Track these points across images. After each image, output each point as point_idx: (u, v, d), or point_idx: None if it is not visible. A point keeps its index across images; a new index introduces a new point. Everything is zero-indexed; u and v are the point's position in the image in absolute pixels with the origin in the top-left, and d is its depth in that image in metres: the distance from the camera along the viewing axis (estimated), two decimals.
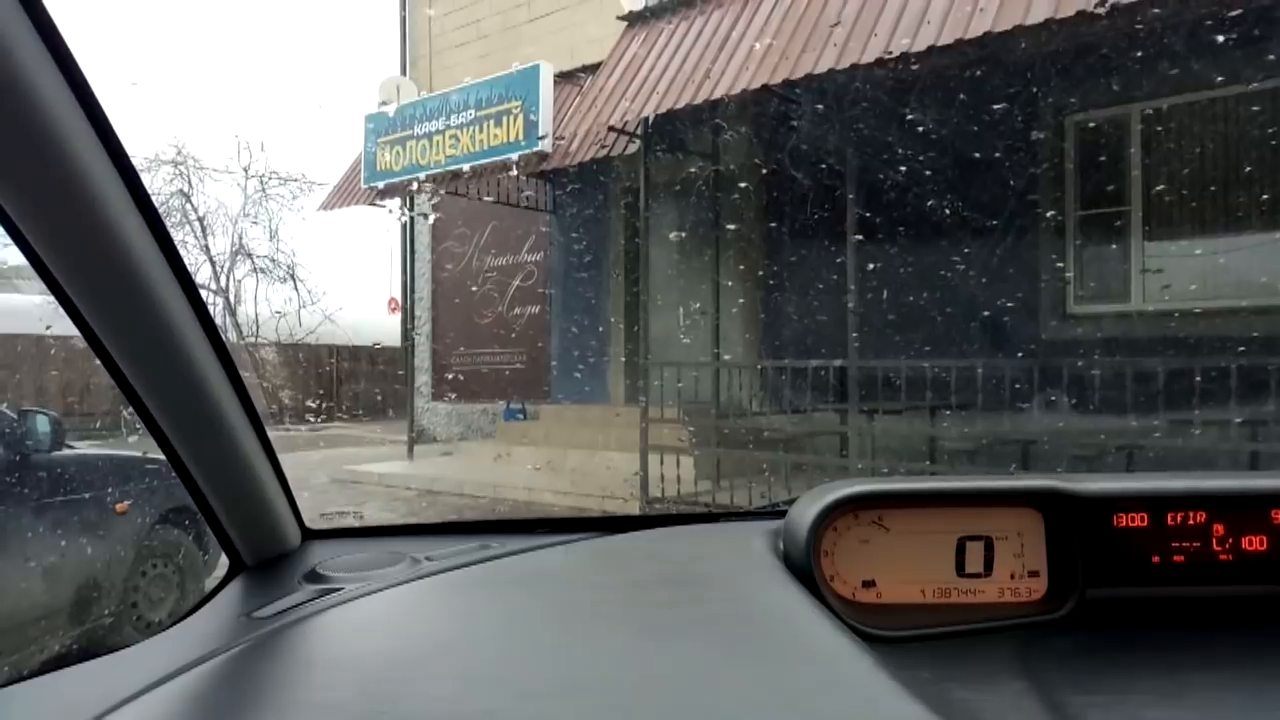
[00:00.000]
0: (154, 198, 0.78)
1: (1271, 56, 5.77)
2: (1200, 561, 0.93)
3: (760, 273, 8.73)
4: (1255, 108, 6.26)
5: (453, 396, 11.88)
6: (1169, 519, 0.94)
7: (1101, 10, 4.85)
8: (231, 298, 17.47)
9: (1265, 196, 6.31)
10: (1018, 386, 5.80)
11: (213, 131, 28.57)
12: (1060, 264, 7.07)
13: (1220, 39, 5.73)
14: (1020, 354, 6.47)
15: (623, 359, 9.88)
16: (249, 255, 17.76)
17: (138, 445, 3.67)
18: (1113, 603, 0.92)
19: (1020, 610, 0.93)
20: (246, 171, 17.73)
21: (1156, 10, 5.20)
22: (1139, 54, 6.03)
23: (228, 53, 34.83)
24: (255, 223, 17.64)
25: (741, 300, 8.74)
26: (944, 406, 6.05)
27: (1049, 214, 7.10)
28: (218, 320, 16.17)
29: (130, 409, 0.90)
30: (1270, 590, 0.93)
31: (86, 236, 0.73)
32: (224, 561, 1.13)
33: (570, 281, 10.48)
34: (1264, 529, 0.93)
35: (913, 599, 0.94)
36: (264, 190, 17.91)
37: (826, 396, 6.55)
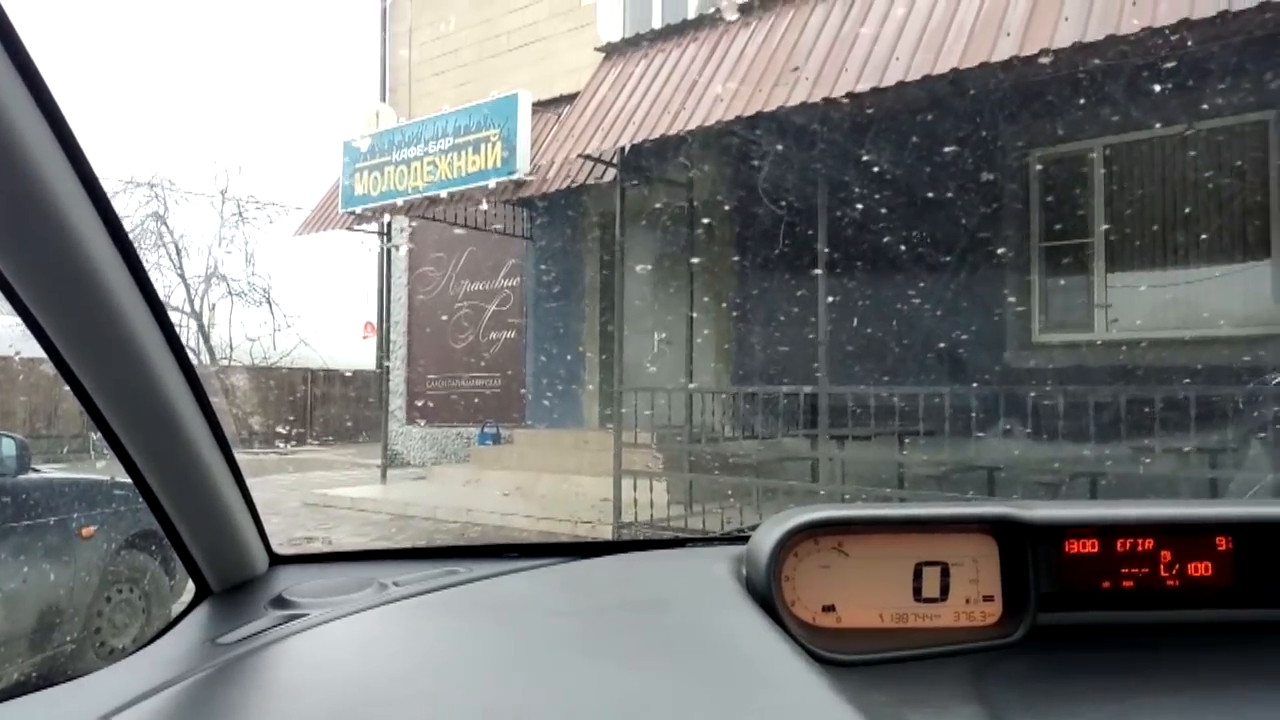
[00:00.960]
0: (129, 220, 0.77)
1: (1220, 101, 5.98)
2: (1148, 587, 0.95)
3: (732, 301, 8.81)
4: (1219, 140, 6.45)
5: (425, 421, 11.82)
6: (1118, 545, 0.96)
7: (1046, 59, 4.99)
8: (205, 321, 17.31)
9: (1222, 230, 6.48)
10: (983, 414, 5.88)
11: (190, 155, 28.43)
12: (1023, 295, 7.20)
13: (1172, 83, 5.92)
14: (985, 382, 6.57)
15: (597, 384, 9.89)
16: (224, 279, 17.64)
17: (105, 470, 3.62)
18: (1064, 627, 0.94)
19: (975, 634, 0.94)
20: (223, 195, 17.66)
21: (1098, 60, 5.37)
22: (1100, 92, 6.20)
23: (207, 75, 34.73)
24: (229, 251, 17.55)
25: (714, 327, 8.80)
26: (912, 433, 6.12)
27: (1013, 246, 7.24)
28: (191, 344, 16.04)
29: (97, 433, 0.90)
30: (1215, 615, 0.95)
31: (52, 258, 0.72)
32: (191, 587, 1.12)
33: (545, 307, 10.51)
34: (1209, 555, 0.96)
35: (871, 623, 0.95)
36: (241, 214, 17.83)
37: (797, 423, 6.59)
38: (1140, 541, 0.96)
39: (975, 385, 6.33)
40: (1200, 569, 0.96)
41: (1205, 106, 6.15)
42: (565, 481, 8.37)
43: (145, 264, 0.81)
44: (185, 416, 0.90)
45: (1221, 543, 0.96)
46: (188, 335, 16.49)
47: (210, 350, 17.07)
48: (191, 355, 0.90)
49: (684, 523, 6.52)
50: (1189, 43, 5.22)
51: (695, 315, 8.69)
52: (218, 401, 0.95)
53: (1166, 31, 4.77)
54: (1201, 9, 4.57)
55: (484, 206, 9.18)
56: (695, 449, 7.18)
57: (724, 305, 8.83)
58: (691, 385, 8.23)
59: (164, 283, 16.16)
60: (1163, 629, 0.95)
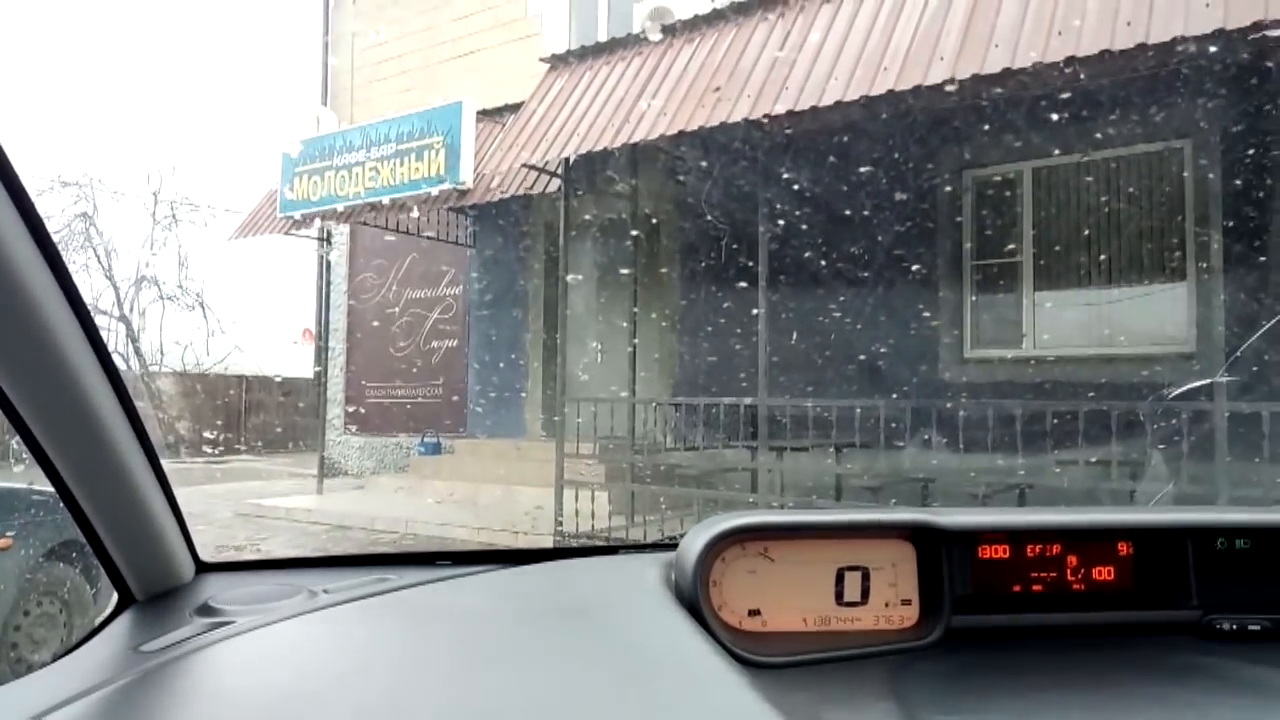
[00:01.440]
0: (57, 220, 0.75)
1: (1139, 129, 6.26)
2: (1056, 590, 1.00)
3: (675, 313, 8.88)
4: (1135, 166, 6.74)
5: (359, 429, 11.64)
6: (1028, 550, 1.00)
7: (977, 84, 5.16)
8: (135, 326, 16.75)
9: (1142, 253, 6.76)
10: (916, 427, 6.03)
11: (123, 154, 27.52)
12: (956, 312, 7.41)
13: (1095, 110, 6.18)
14: (919, 396, 6.74)
15: (539, 394, 9.86)
16: (155, 282, 17.12)
17: (24, 475, 3.48)
18: (977, 629, 0.98)
19: (893, 637, 0.97)
20: (156, 196, 17.18)
21: (1021, 87, 5.57)
22: (1029, 117, 6.43)
23: (143, 71, 33.70)
24: (156, 252, 17.04)
25: (656, 338, 8.85)
26: (848, 445, 6.24)
27: (947, 265, 7.45)
28: (119, 349, 15.51)
29: (16, 437, 0.88)
30: (1116, 617, 1.00)
31: None
32: (115, 597, 1.09)
33: (488, 316, 10.45)
34: (1112, 560, 1.01)
35: (795, 627, 0.97)
36: (174, 216, 17.35)
37: (737, 434, 6.67)
38: (1048, 547, 1.00)
39: (910, 399, 6.49)
40: (1103, 573, 1.01)
41: (1125, 134, 6.43)
42: (507, 492, 8.31)
43: (71, 265, 0.79)
44: (108, 420, 0.88)
45: (1123, 548, 1.01)
46: (116, 340, 15.95)
47: (140, 355, 16.53)
48: (120, 360, 0.88)
49: (625, 533, 6.52)
50: (1110, 74, 5.45)
51: (637, 326, 8.73)
52: (143, 406, 0.94)
53: (1087, 61, 4.97)
54: (1121, 41, 4.77)
55: (416, 214, 9.10)
56: (638, 459, 7.21)
57: (666, 317, 8.90)
58: (627, 394, 8.26)
59: (92, 285, 15.62)
60: (1069, 630, 1.00)
